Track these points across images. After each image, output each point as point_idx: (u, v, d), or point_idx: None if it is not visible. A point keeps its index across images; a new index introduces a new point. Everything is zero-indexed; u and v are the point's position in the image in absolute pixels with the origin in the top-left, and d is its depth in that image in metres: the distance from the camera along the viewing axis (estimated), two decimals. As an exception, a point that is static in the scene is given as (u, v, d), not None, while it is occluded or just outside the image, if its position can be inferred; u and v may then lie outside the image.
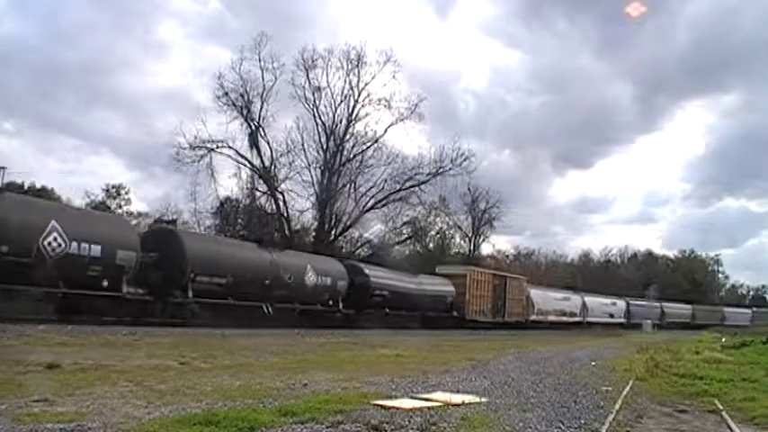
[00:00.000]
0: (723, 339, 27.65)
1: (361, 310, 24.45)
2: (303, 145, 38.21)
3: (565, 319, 41.13)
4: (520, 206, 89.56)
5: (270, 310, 19.87)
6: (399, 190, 39.57)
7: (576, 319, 42.39)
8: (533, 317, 36.89)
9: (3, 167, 17.15)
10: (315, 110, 38.39)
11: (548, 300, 39.66)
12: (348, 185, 39.10)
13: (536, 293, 38.26)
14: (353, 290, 24.11)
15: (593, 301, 45.76)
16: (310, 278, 22.08)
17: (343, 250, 37.60)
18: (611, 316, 48.29)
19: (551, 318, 39.38)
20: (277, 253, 21.77)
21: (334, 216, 38.68)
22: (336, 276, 23.59)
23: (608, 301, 49.13)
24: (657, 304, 55.75)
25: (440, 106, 74.41)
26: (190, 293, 17.27)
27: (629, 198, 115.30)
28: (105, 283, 15.09)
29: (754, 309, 70.65)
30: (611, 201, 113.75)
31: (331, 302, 23.30)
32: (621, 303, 50.61)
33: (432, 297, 28.90)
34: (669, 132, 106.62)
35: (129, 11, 65.34)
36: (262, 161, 37.49)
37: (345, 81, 38.37)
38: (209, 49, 68.77)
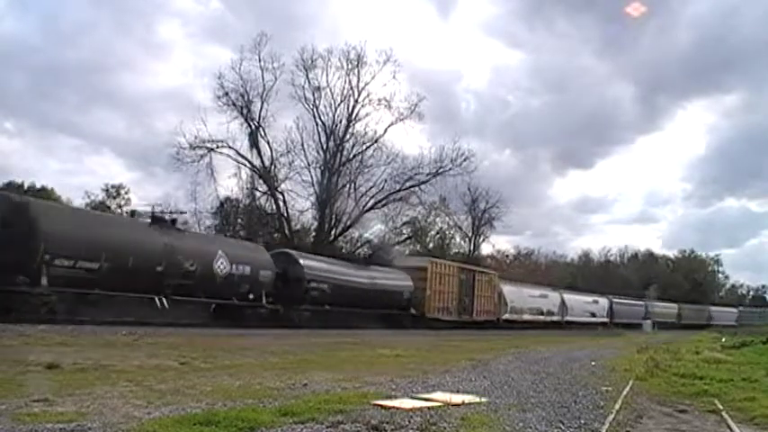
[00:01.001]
0: (723, 339, 27.64)
1: (293, 307, 21.27)
2: (303, 145, 38.32)
3: (542, 318, 38.45)
4: (520, 206, 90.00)
5: (165, 303, 16.62)
6: (399, 190, 39.64)
7: (555, 318, 40.00)
8: (506, 316, 34.34)
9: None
10: (315, 110, 38.48)
11: (522, 297, 36.92)
12: (348, 185, 39.19)
13: (509, 290, 35.65)
14: (284, 282, 21.00)
15: (572, 298, 43.34)
16: (221, 266, 18.51)
17: (343, 250, 37.63)
18: (593, 315, 45.81)
19: (526, 317, 36.71)
20: (175, 234, 18.19)
21: (334, 216, 38.72)
22: (258, 265, 20.03)
23: (589, 299, 46.77)
24: (642, 303, 53.99)
25: (441, 106, 74.64)
26: (43, 281, 13.85)
27: (629, 198, 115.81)
28: None
29: (740, 308, 69.79)
30: (612, 201, 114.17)
31: (252, 296, 19.67)
32: (604, 302, 48.19)
33: (385, 292, 25.76)
34: (670, 132, 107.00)
35: (129, 11, 65.61)
36: (262, 161, 37.57)
37: (345, 81, 38.47)
38: (210, 49, 69.22)
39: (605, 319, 46.85)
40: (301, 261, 22.16)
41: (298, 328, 19.02)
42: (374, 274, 25.82)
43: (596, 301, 46.97)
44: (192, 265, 17.56)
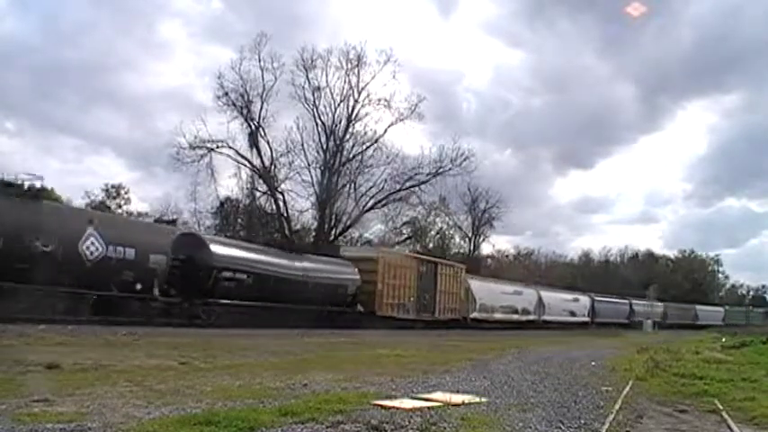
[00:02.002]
0: (723, 339, 27.65)
1: (199, 301, 17.79)
2: (303, 145, 38.25)
3: (515, 317, 35.45)
4: (521, 206, 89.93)
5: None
6: (399, 190, 39.60)
7: (531, 317, 36.96)
8: (474, 314, 31.11)
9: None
10: (315, 110, 38.41)
11: (494, 294, 33.75)
12: (348, 185, 39.14)
13: (478, 286, 32.55)
14: (187, 270, 17.52)
15: (550, 296, 40.29)
16: (91, 248, 15.05)
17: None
18: (573, 314, 42.69)
19: (498, 315, 33.57)
20: (26, 204, 14.42)
21: (334, 216, 38.69)
22: (147, 248, 16.41)
23: (569, 296, 43.71)
24: (626, 302, 51.40)
25: (442, 106, 74.67)
26: None
27: (630, 198, 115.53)
28: None
29: (727, 307, 68.14)
30: (613, 201, 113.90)
31: (140, 286, 16.13)
32: (585, 300, 44.99)
33: (324, 286, 22.17)
34: (671, 132, 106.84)
35: (130, 10, 65.54)
36: (262, 161, 37.53)
37: (345, 81, 38.40)
38: (211, 49, 69.04)
39: (586, 319, 44.04)
40: (211, 246, 18.44)
41: (200, 327, 16.17)
42: (310, 265, 22.29)
43: (577, 299, 44.00)
44: (46, 245, 14.01)
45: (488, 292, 33.16)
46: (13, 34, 60.73)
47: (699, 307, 62.52)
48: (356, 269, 24.06)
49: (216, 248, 18.64)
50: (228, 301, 18.40)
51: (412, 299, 26.51)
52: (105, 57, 63.57)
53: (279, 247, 22.87)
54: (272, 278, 20.10)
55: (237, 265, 18.84)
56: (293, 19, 65.64)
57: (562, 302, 41.73)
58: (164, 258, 16.80)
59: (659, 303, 55.94)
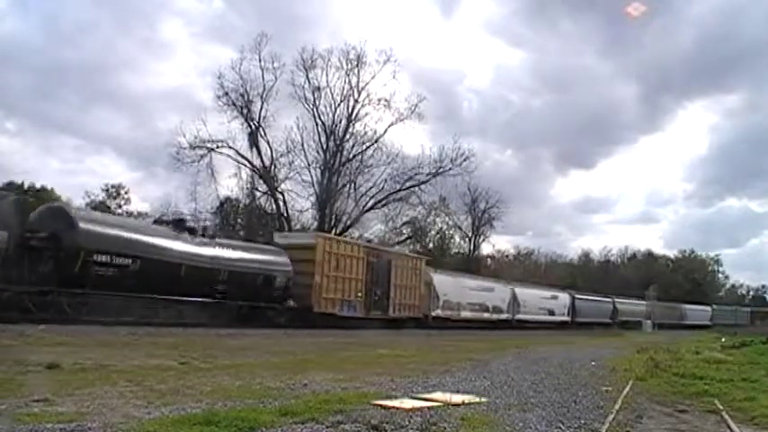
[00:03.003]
0: (723, 339, 27.66)
1: (63, 291, 14.31)
2: (303, 145, 38.38)
3: (486, 315, 32.73)
4: (522, 206, 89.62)
5: None
6: (399, 190, 39.71)
7: (503, 315, 34.23)
8: (437, 312, 28.32)
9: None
10: (315, 110, 38.53)
11: (461, 290, 30.83)
12: (348, 185, 39.26)
13: (442, 280, 29.56)
14: (44, 253, 14.29)
15: (526, 293, 37.57)
16: None
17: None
18: (551, 313, 39.95)
19: (466, 314, 30.69)
20: None
21: (334, 216, 38.76)
22: None
23: (547, 293, 40.91)
24: (609, 300, 49.06)
25: (443, 106, 74.72)
26: None
27: (631, 198, 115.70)
28: None
29: (714, 307, 66.63)
30: (614, 201, 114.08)
31: None
32: (565, 297, 42.17)
33: (242, 276, 18.56)
34: (672, 132, 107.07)
35: (131, 10, 65.59)
36: (262, 161, 37.62)
37: (345, 81, 38.54)
38: (212, 49, 69.29)
39: (566, 318, 41.30)
40: (80, 223, 14.76)
41: (65, 323, 13.21)
42: (222, 252, 18.33)
43: (555, 297, 41.18)
44: None
45: (454, 288, 30.19)
46: (14, 34, 60.96)
47: (686, 306, 60.79)
48: (287, 258, 20.45)
49: (86, 226, 14.78)
50: (105, 293, 14.86)
51: (360, 294, 23.22)
52: (106, 56, 63.82)
53: (183, 228, 18.06)
54: (168, 265, 16.24)
55: (117, 248, 15.07)
56: (294, 19, 65.89)
57: (539, 300, 38.85)
58: (3, 235, 13.52)
59: (644, 303, 54.36)
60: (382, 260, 25.03)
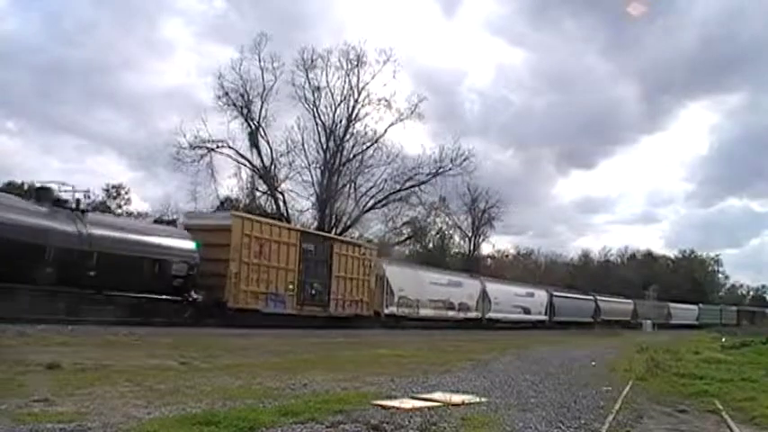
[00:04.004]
0: (723, 339, 27.66)
1: None
2: (303, 145, 38.35)
3: (451, 314, 29.63)
4: (523, 206, 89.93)
5: None
6: (399, 190, 39.67)
7: (472, 314, 31.12)
8: (391, 309, 25.28)
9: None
10: (315, 110, 38.50)
11: (420, 285, 27.62)
12: (348, 185, 39.23)
13: (398, 273, 26.48)
14: None
15: (499, 289, 34.70)
16: None
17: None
18: (527, 311, 37.16)
19: (426, 311, 27.60)
20: None
21: (334, 216, 38.74)
22: None
23: (522, 290, 38.07)
24: (591, 298, 46.49)
25: (445, 105, 74.70)
26: None
27: (632, 198, 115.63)
28: None
29: (701, 305, 64.79)
30: (615, 201, 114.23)
31: None
32: (542, 295, 39.48)
33: (127, 261, 15.21)
34: (673, 132, 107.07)
35: (132, 10, 65.57)
36: (262, 161, 37.61)
37: (345, 81, 38.49)
38: (214, 49, 69.42)
39: (543, 317, 38.69)
40: None
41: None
42: (100, 232, 14.89)
43: (531, 294, 38.43)
44: None
45: (412, 282, 27.00)
46: (15, 34, 60.85)
47: (672, 305, 58.95)
48: (191, 242, 17.16)
49: None
50: None
51: (291, 286, 20.05)
52: (107, 56, 63.88)
53: (48, 199, 14.63)
54: (17, 245, 12.95)
55: None
56: (296, 18, 65.82)
57: (513, 297, 35.94)
58: None
59: (629, 301, 52.63)
60: (321, 247, 21.99)
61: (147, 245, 16.30)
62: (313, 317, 21.04)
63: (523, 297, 37.30)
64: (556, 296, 40.72)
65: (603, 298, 47.89)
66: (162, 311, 16.37)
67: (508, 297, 35.27)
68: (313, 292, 21.36)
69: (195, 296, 17.14)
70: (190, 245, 17.14)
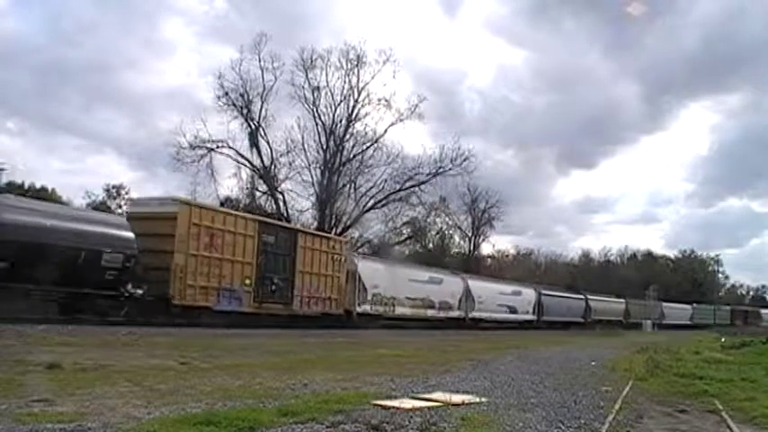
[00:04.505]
0: (723, 339, 27.66)
1: None
2: (303, 145, 38.32)
3: (430, 313, 28.07)
4: (523, 206, 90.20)
5: None
6: (399, 190, 39.66)
7: (454, 313, 29.63)
8: (364, 308, 23.79)
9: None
10: (315, 110, 38.48)
11: (397, 281, 25.92)
12: (348, 185, 39.21)
13: (372, 269, 24.89)
14: None
15: (483, 287, 33.05)
16: None
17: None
18: (513, 311, 35.45)
19: (403, 310, 26.05)
20: None
21: (334, 216, 38.72)
22: None
23: (508, 288, 36.41)
24: (581, 297, 44.82)
25: (445, 105, 74.69)
26: None
27: (632, 198, 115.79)
28: None
29: (694, 305, 63.78)
30: (615, 201, 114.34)
31: None
32: (530, 294, 37.91)
33: (47, 250, 13.42)
34: (673, 132, 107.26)
35: (133, 10, 65.55)
36: (262, 161, 37.59)
37: (345, 81, 38.47)
38: (214, 49, 69.35)
39: (530, 316, 37.16)
40: None
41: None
42: (12, 217, 13.37)
43: (518, 293, 36.70)
44: None
45: (388, 279, 25.29)
46: (16, 33, 60.89)
47: (665, 305, 57.52)
48: (129, 231, 15.40)
49: None
50: None
51: (248, 281, 18.49)
52: (107, 56, 63.86)
53: None
54: None
55: None
56: (297, 18, 65.85)
57: (498, 296, 34.25)
58: None
59: (621, 300, 51.27)
60: (283, 239, 20.19)
61: (73, 233, 14.29)
62: (274, 315, 19.57)
63: (510, 296, 35.71)
64: (544, 295, 39.23)
65: (595, 297, 46.49)
66: (94, 307, 14.84)
67: (493, 295, 33.69)
68: (274, 288, 19.64)
69: (133, 291, 15.36)
70: (126, 234, 15.34)
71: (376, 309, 24.53)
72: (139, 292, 15.61)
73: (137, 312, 15.79)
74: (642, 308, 53.48)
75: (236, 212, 20.44)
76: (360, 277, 23.76)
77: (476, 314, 31.37)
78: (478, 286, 32.60)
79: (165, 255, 16.21)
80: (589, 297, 45.53)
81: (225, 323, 16.85)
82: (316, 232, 24.98)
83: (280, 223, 23.74)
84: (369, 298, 24.15)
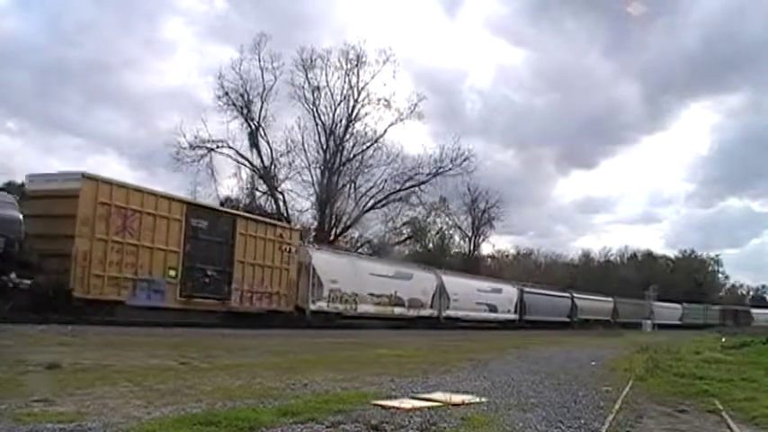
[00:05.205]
0: (723, 339, 27.66)
1: None
2: (303, 145, 38.36)
3: (398, 311, 25.67)
4: (524, 206, 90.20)
5: None
6: (399, 190, 39.72)
7: (426, 311, 27.38)
8: (320, 304, 21.60)
9: None
10: (315, 110, 38.52)
11: (359, 276, 23.64)
12: (348, 185, 39.26)
13: (328, 262, 22.70)
14: None
15: (459, 284, 30.72)
16: None
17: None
18: (493, 310, 33.26)
19: (366, 308, 23.86)
20: None
21: (334, 216, 38.75)
22: None
23: (487, 285, 34.13)
24: (567, 295, 42.87)
25: (446, 105, 74.77)
26: None
27: (632, 198, 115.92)
28: None
29: (684, 304, 61.83)
30: (615, 201, 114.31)
31: None
32: (511, 291, 35.81)
33: None
34: (674, 132, 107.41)
35: (133, 9, 65.54)
36: (262, 161, 37.62)
37: (345, 81, 38.51)
38: (215, 49, 69.35)
39: (512, 316, 35.16)
40: None
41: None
42: None
43: (498, 290, 34.64)
44: None
45: (348, 273, 23.14)
46: (16, 33, 60.91)
47: (654, 304, 55.87)
48: (15, 210, 13.15)
49: None
50: None
51: (173, 272, 16.27)
52: (108, 56, 63.85)
53: None
54: None
55: None
56: (298, 18, 65.88)
57: (477, 293, 32.02)
58: None
59: (609, 299, 49.56)
60: (218, 225, 17.83)
61: None
62: (207, 312, 17.79)
63: (489, 293, 33.47)
64: (527, 293, 37.24)
65: (581, 296, 44.78)
66: None
67: (471, 293, 31.40)
68: (207, 280, 17.31)
69: (18, 282, 12.88)
70: (10, 213, 12.90)
71: (334, 306, 22.38)
72: (26, 282, 13.06)
73: (27, 306, 13.56)
74: (631, 307, 52.23)
75: (158, 191, 16.97)
76: (314, 270, 21.48)
77: (451, 313, 29.23)
78: (454, 282, 30.29)
79: (65, 239, 14.04)
80: (575, 296, 43.81)
81: (144, 321, 15.21)
82: (260, 218, 22.10)
83: (214, 206, 20.77)
84: (325, 294, 21.93)
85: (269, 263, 19.54)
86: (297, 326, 19.53)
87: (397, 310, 25.81)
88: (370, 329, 21.83)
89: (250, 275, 18.85)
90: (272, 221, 22.62)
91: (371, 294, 24.26)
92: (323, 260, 22.43)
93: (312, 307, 21.33)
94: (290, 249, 20.41)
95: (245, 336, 14.93)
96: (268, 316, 19.59)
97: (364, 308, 23.84)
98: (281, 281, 20.00)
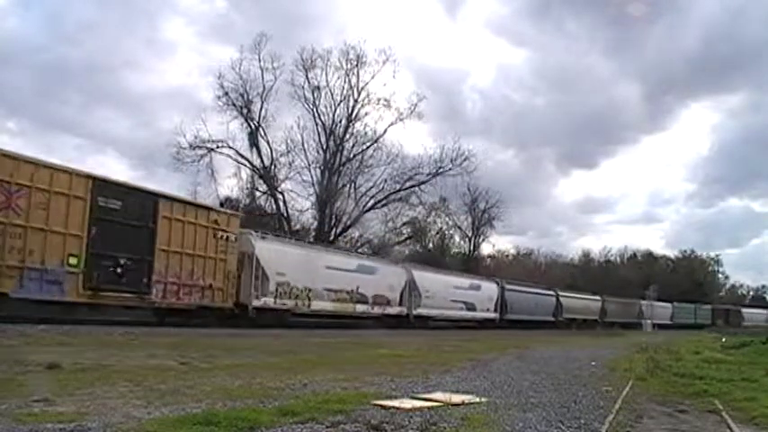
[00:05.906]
0: (723, 339, 27.67)
1: None
2: (303, 145, 38.40)
3: (362, 309, 23.44)
4: (524, 206, 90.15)
5: None
6: (399, 190, 39.75)
7: (394, 309, 25.16)
8: (265, 300, 19.30)
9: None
10: (315, 110, 38.55)
11: (314, 269, 21.42)
12: (348, 185, 39.29)
13: (276, 252, 20.16)
14: None
15: (432, 279, 28.39)
16: None
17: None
18: (470, 308, 31.04)
19: (322, 304, 21.69)
20: None
21: (334, 216, 38.77)
22: None
23: (465, 282, 31.73)
24: (552, 294, 40.92)
25: (446, 105, 74.75)
26: None
27: (633, 198, 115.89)
28: None
29: (675, 304, 60.58)
30: (616, 201, 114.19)
31: None
32: (490, 289, 33.58)
33: None
34: (674, 132, 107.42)
35: (134, 9, 65.49)
36: (262, 161, 37.64)
37: (345, 81, 38.53)
38: (215, 49, 69.31)
39: (492, 314, 32.94)
40: None
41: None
42: None
43: (477, 287, 32.35)
44: None
45: (299, 266, 20.73)
46: (16, 33, 60.88)
47: (644, 303, 54.49)
48: None
49: None
50: None
51: (74, 261, 13.96)
52: (108, 56, 63.76)
53: None
54: None
55: None
56: (298, 18, 65.91)
57: (452, 290, 29.68)
58: None
59: (597, 298, 47.55)
60: (135, 205, 15.34)
61: None
62: (120, 307, 15.68)
63: (466, 290, 31.10)
64: (508, 290, 34.96)
65: (566, 294, 43.00)
66: None
67: (445, 289, 28.94)
68: (119, 271, 14.92)
69: None
70: None
71: (282, 302, 19.97)
72: None
73: None
74: (620, 306, 50.65)
75: (54, 164, 14.31)
76: (258, 262, 19.00)
77: (422, 311, 26.94)
78: (426, 278, 27.81)
79: None
80: (560, 294, 41.93)
81: (38, 316, 13.26)
82: (188, 199, 19.61)
83: (129, 183, 16.59)
84: (271, 289, 19.52)
85: (200, 252, 16.95)
86: (238, 324, 17.54)
87: (360, 308, 23.54)
88: (367, 329, 21.83)
89: (176, 266, 16.29)
90: (205, 204, 20.20)
91: (328, 290, 21.98)
92: (268, 250, 19.88)
93: (256, 303, 18.96)
94: (227, 237, 17.80)
95: (245, 336, 14.93)
96: (199, 312, 17.25)
97: (320, 305, 21.62)
98: (215, 273, 17.41)
